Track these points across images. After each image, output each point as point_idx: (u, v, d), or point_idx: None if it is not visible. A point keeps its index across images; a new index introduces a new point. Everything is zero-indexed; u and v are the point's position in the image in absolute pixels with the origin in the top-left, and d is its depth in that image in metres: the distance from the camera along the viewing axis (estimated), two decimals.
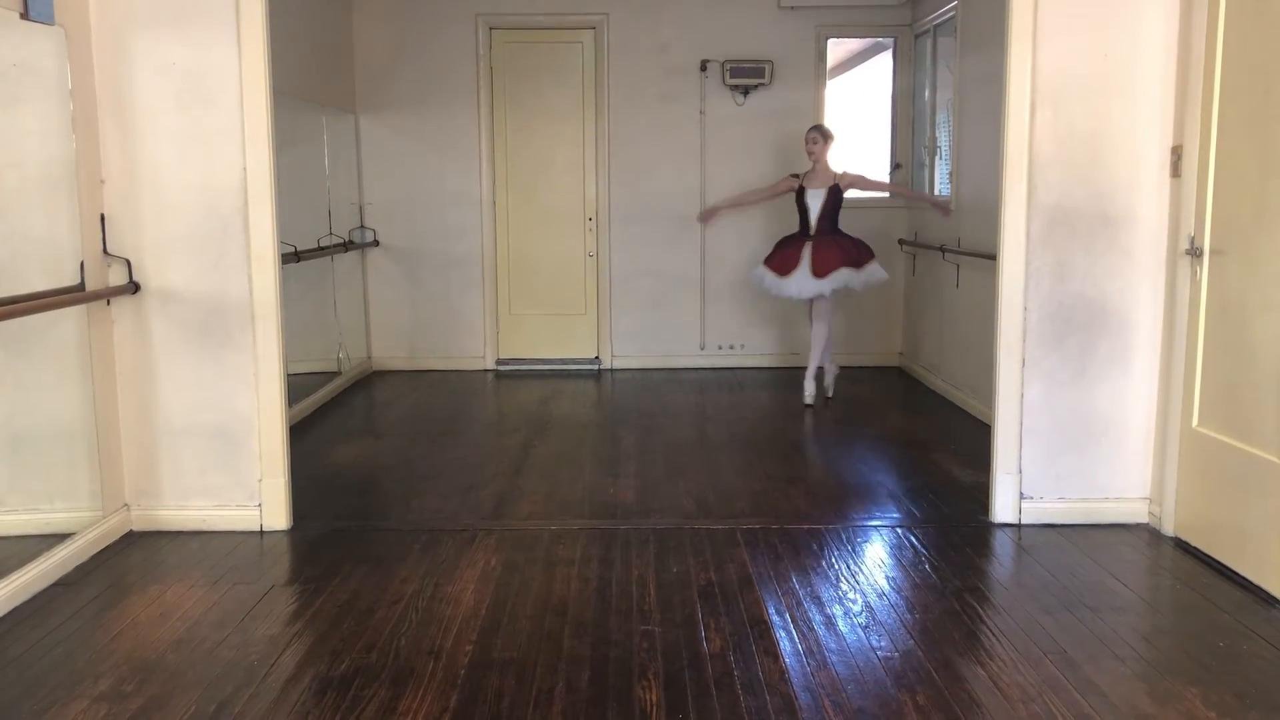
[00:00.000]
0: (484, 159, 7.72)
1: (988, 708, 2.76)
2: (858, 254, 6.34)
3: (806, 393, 6.53)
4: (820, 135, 6.43)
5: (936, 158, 7.24)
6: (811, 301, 6.46)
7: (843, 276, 6.24)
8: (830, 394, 6.71)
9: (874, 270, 6.36)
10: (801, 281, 6.28)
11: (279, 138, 4.18)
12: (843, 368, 7.82)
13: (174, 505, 4.21)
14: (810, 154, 6.42)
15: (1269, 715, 2.71)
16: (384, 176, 7.69)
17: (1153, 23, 4.00)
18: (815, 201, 6.39)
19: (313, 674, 2.98)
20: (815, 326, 6.50)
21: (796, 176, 6.55)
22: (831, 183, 6.36)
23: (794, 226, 6.54)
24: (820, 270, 6.23)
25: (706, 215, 6.92)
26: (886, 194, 7.14)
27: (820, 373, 6.61)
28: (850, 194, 6.45)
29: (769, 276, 6.42)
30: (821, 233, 6.36)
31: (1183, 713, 2.73)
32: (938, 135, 7.20)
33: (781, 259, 6.41)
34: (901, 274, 7.82)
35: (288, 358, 4.26)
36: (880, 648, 3.13)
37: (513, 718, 2.72)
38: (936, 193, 7.19)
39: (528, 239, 7.86)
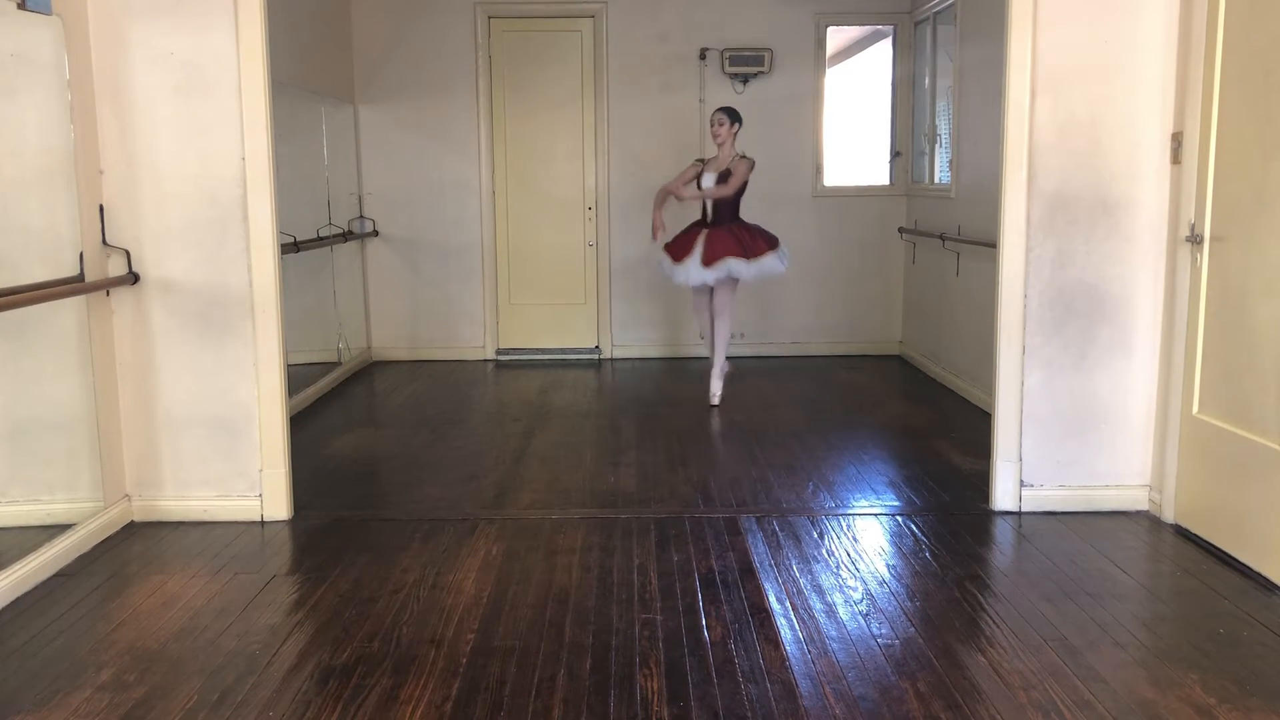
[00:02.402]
0: (483, 148, 7.70)
1: (989, 695, 2.77)
2: (752, 244, 6.02)
3: (713, 392, 6.28)
4: (727, 117, 6.09)
5: (936, 145, 7.23)
6: (711, 295, 6.20)
7: (727, 267, 5.96)
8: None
9: (768, 262, 6.03)
10: (689, 269, 6.05)
11: (278, 127, 4.17)
12: (843, 356, 7.85)
13: (175, 496, 4.21)
14: (715, 136, 6.11)
15: (1269, 701, 2.72)
16: (383, 166, 7.67)
17: (1153, 8, 3.99)
18: (708, 185, 6.10)
19: (315, 663, 2.98)
20: (716, 324, 6.25)
21: (702, 161, 6.28)
22: (723, 168, 6.07)
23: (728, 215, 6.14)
24: (708, 259, 5.99)
25: (655, 230, 6.21)
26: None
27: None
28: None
29: (666, 261, 6.21)
30: (720, 221, 6.09)
31: (1183, 699, 2.73)
32: (938, 123, 7.19)
33: (678, 245, 6.18)
34: (901, 262, 7.82)
35: (288, 348, 4.26)
36: (881, 635, 3.14)
37: (514, 706, 2.73)
38: (936, 180, 7.18)
39: (527, 228, 7.86)
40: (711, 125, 6.14)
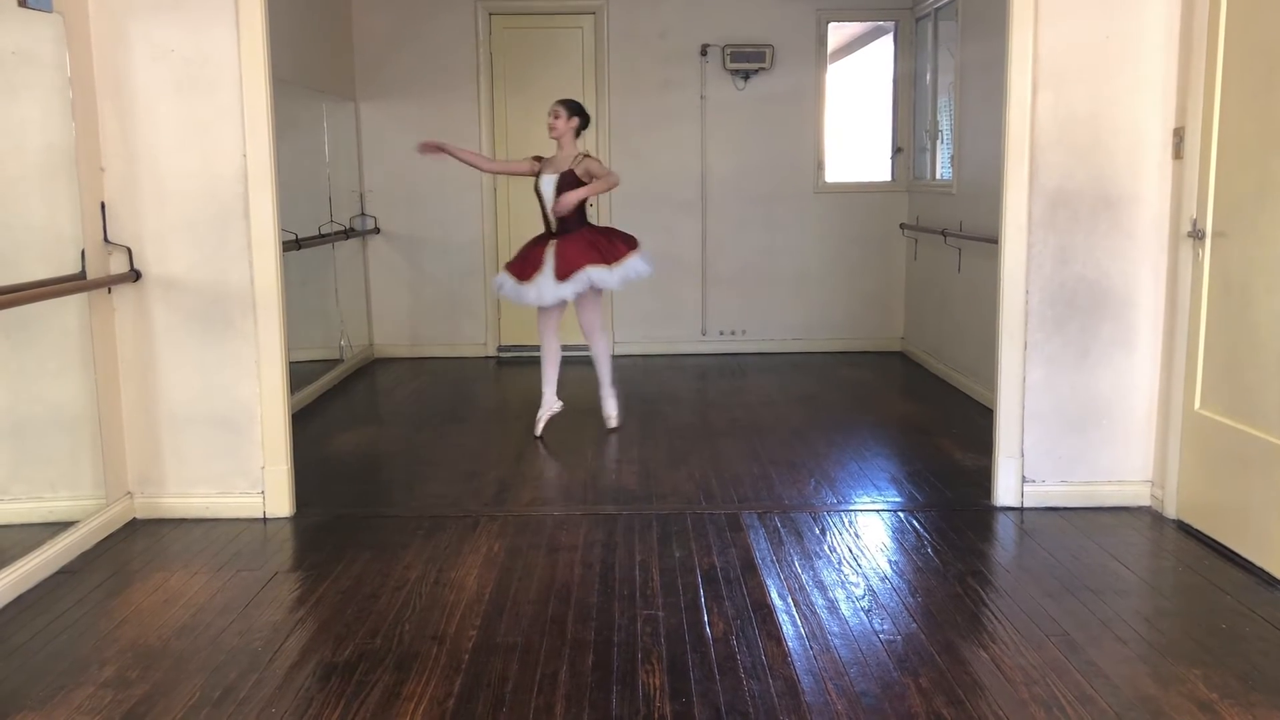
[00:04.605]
0: (484, 145, 7.69)
1: (991, 690, 2.77)
2: (610, 249, 5.31)
3: (608, 413, 5.64)
4: (565, 110, 5.32)
5: (938, 142, 7.22)
6: (579, 312, 5.45)
7: (586, 277, 5.20)
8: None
9: (632, 265, 5.31)
10: (541, 287, 5.23)
11: (279, 125, 4.17)
12: (844, 352, 7.82)
13: (177, 493, 4.21)
14: (550, 129, 5.35)
15: (1271, 696, 2.72)
16: (384, 163, 7.67)
17: (1155, 4, 3.98)
18: (548, 190, 5.31)
19: (317, 660, 2.99)
20: (593, 344, 5.53)
21: (539, 159, 5.48)
22: (566, 168, 5.30)
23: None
24: (563, 272, 5.20)
25: (427, 147, 5.45)
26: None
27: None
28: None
29: (509, 283, 5.35)
30: (567, 229, 5.32)
31: (1185, 694, 2.73)
32: (939, 119, 7.18)
33: (523, 262, 5.36)
34: (903, 258, 7.81)
35: (289, 345, 4.26)
36: (883, 631, 3.14)
37: (516, 702, 2.73)
38: (938, 176, 7.17)
39: (529, 225, 7.77)
40: (548, 117, 5.35)
